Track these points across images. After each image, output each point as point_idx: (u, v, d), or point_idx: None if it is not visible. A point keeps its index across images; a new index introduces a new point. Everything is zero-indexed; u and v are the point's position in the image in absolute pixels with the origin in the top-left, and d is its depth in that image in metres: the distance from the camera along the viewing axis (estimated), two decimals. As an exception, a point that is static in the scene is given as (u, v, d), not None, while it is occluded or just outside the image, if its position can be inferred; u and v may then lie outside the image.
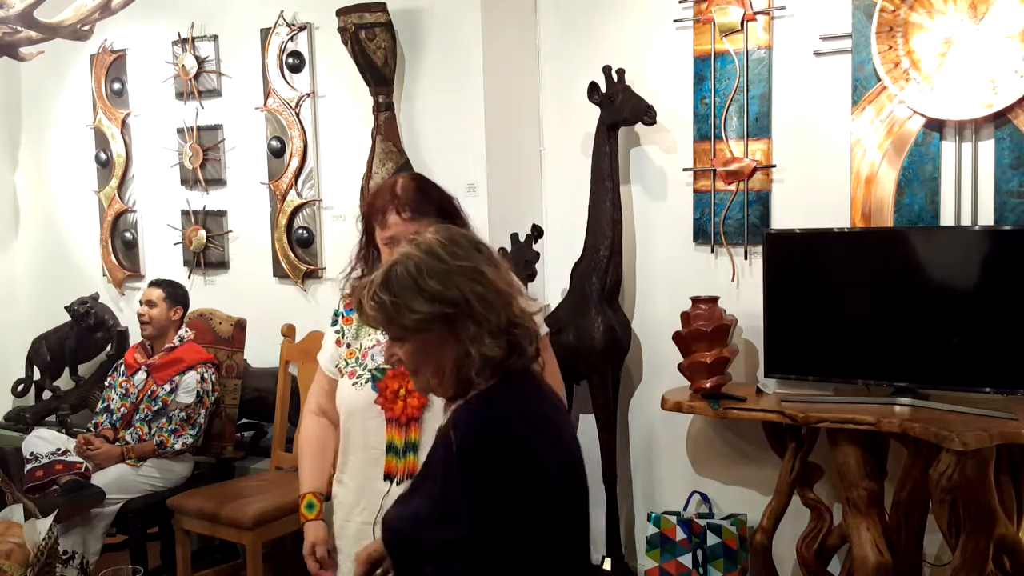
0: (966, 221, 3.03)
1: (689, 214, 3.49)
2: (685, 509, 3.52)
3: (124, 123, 4.66)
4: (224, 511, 3.34)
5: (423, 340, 1.52)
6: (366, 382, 2.09)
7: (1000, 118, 2.94)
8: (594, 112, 3.45)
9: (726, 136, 3.39)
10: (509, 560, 1.42)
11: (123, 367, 3.88)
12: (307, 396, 2.32)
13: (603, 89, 3.42)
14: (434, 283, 1.49)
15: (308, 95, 4.07)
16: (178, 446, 3.62)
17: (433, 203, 2.12)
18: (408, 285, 1.50)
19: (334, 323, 2.25)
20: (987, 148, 2.99)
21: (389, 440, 2.04)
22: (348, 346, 2.18)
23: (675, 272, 3.53)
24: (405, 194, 2.10)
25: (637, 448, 3.70)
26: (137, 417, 3.70)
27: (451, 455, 1.45)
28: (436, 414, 2.03)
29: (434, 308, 1.49)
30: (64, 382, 4.71)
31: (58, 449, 3.53)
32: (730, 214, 3.40)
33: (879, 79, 3.08)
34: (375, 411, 2.07)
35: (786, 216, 3.32)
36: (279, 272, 4.24)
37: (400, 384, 2.04)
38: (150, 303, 3.81)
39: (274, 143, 4.18)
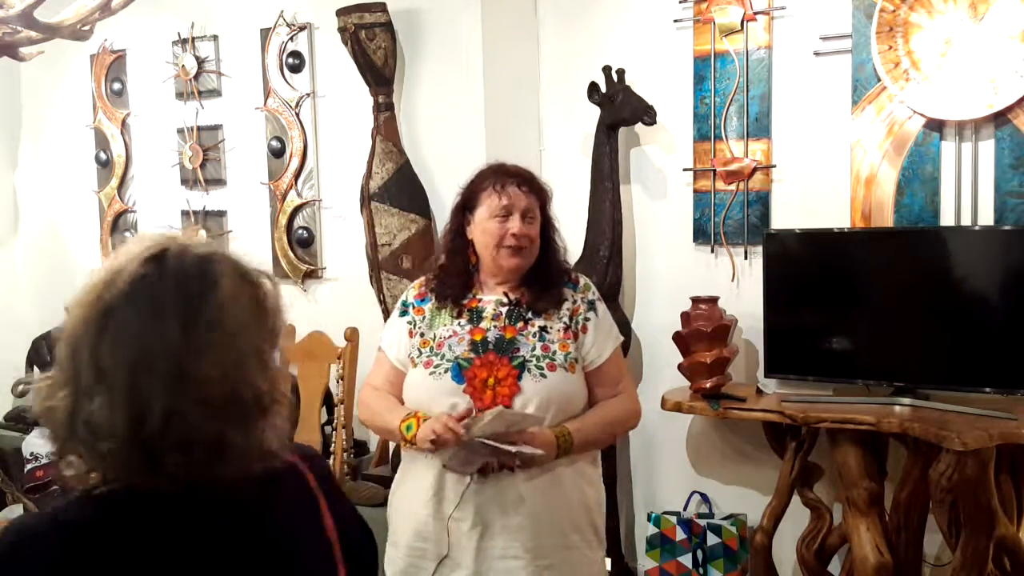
0: (966, 221, 3.02)
1: (689, 214, 3.49)
2: (685, 509, 3.52)
3: (124, 123, 4.66)
4: (224, 511, 3.32)
5: None
6: (445, 371, 2.06)
7: (1000, 118, 2.94)
8: (594, 112, 3.45)
9: (726, 136, 3.39)
10: None
11: (123, 367, 3.87)
12: (367, 381, 2.27)
13: (603, 89, 3.42)
14: None
15: (308, 95, 4.07)
16: (178, 446, 3.62)
17: (543, 196, 2.15)
18: None
19: (404, 313, 2.20)
20: (987, 148, 2.99)
21: None
22: (422, 335, 2.14)
23: (675, 272, 3.53)
24: (524, 172, 2.13)
25: (637, 448, 3.70)
26: (137, 417, 3.70)
27: None
28: (528, 400, 2.02)
29: None
30: (64, 382, 4.70)
31: (58, 449, 3.53)
32: (730, 214, 3.40)
33: (879, 79, 3.08)
34: (456, 399, 2.04)
35: (786, 216, 3.32)
36: (279, 272, 4.23)
37: (489, 373, 2.03)
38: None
39: (274, 143, 4.18)
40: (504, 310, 2.12)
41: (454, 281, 2.17)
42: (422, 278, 2.27)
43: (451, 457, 1.97)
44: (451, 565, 2.04)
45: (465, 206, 2.18)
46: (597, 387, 2.13)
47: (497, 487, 2.02)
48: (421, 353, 2.12)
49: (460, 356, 2.06)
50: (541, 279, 2.13)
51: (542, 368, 2.04)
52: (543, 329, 2.09)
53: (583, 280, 2.20)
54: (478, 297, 2.16)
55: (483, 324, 2.10)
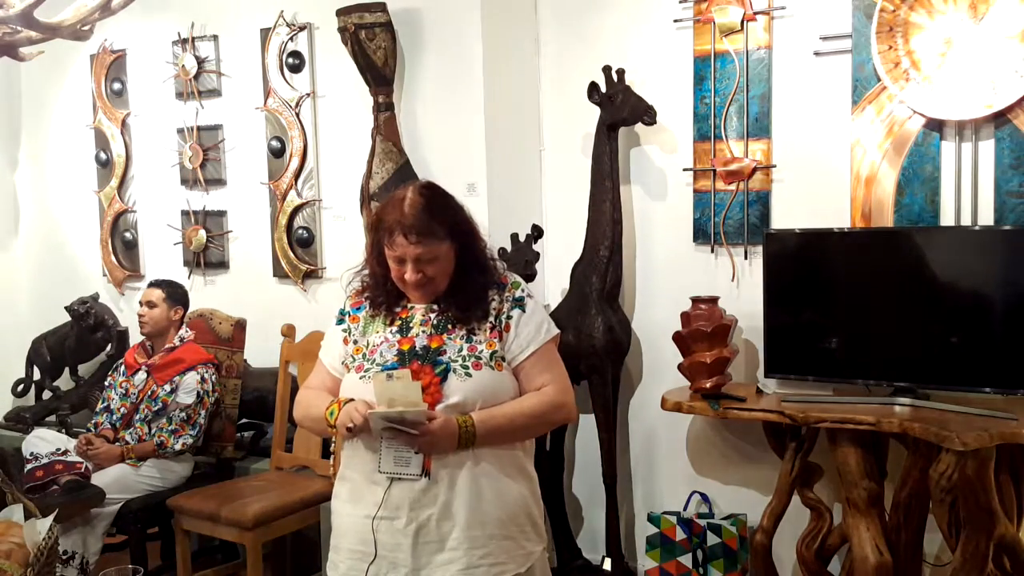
0: (966, 221, 3.03)
1: (689, 214, 3.49)
2: (685, 509, 3.52)
3: (124, 123, 4.66)
4: (224, 511, 3.33)
5: None
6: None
7: (1000, 118, 2.94)
8: (594, 112, 3.45)
9: (726, 136, 3.39)
10: None
11: (123, 367, 3.87)
12: (303, 385, 2.34)
13: (603, 89, 3.42)
14: None
15: (308, 95, 4.07)
16: (178, 446, 3.62)
17: (443, 224, 2.11)
18: None
19: (340, 321, 2.27)
20: (987, 148, 2.99)
21: None
22: (355, 343, 2.20)
23: (675, 272, 3.53)
24: (412, 215, 2.08)
25: (637, 448, 3.70)
26: (137, 417, 3.70)
27: None
28: (448, 409, 2.05)
29: None
30: (64, 382, 4.71)
31: (58, 449, 3.53)
32: (730, 214, 3.40)
33: (879, 79, 3.08)
34: None
35: (786, 216, 3.32)
36: (279, 272, 4.25)
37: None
38: (150, 303, 3.80)
39: (274, 143, 4.18)
40: (433, 316, 2.16)
41: (385, 290, 2.21)
42: (358, 286, 2.30)
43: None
44: (388, 566, 2.07)
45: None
46: (522, 383, 2.16)
47: (428, 482, 2.05)
48: (354, 359, 2.17)
49: (387, 363, 2.11)
50: (463, 298, 2.16)
51: (467, 367, 2.09)
52: (471, 331, 2.13)
53: (512, 279, 2.23)
54: (408, 306, 2.20)
55: (412, 332, 2.15)
